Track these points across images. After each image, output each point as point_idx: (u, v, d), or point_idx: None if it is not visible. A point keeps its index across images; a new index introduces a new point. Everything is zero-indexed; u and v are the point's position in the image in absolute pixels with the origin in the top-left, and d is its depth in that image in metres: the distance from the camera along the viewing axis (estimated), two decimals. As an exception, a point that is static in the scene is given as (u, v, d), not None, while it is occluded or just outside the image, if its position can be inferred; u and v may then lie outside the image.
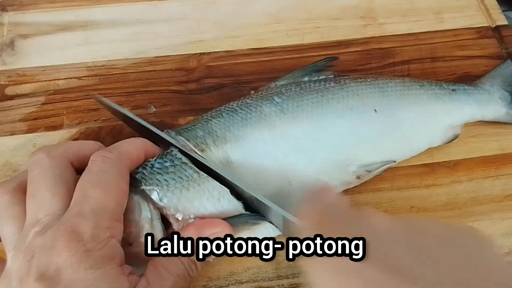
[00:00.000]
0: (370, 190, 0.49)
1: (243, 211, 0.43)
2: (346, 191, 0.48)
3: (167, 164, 0.41)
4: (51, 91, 0.56)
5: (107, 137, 0.52)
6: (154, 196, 0.40)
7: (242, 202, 0.42)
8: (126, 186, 0.38)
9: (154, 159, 0.42)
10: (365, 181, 0.48)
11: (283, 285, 0.44)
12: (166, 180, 0.41)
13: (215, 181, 0.41)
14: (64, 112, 0.54)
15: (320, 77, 0.51)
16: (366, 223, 0.29)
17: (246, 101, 0.48)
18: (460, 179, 0.51)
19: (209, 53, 0.60)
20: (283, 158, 0.44)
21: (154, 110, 0.55)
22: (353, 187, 0.48)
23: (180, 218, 0.40)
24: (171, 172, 0.41)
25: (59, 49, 0.59)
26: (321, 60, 0.52)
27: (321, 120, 0.46)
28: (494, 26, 0.63)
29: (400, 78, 0.52)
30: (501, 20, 0.63)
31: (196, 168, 0.42)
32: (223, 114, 0.46)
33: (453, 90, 0.52)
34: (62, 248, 0.32)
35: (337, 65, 0.59)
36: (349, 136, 0.47)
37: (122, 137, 0.44)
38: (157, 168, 0.41)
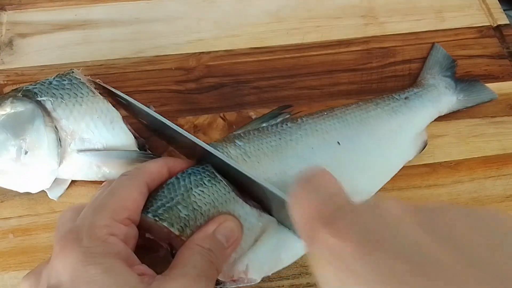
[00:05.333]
0: (370, 190, 0.49)
1: (136, 147, 0.46)
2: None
3: (65, 82, 0.45)
4: (50, 91, 0.55)
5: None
6: (48, 106, 0.45)
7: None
8: (139, 196, 0.37)
9: (52, 77, 0.47)
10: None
11: (283, 285, 0.44)
12: (61, 94, 0.45)
13: (109, 104, 0.46)
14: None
15: (278, 120, 0.49)
16: (377, 213, 0.25)
17: (211, 143, 0.45)
18: (462, 179, 0.50)
19: (209, 52, 0.60)
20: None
21: (154, 109, 0.54)
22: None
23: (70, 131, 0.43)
24: (67, 88, 0.45)
25: (58, 48, 0.59)
26: (276, 108, 0.52)
27: (282, 166, 0.44)
28: (495, 25, 0.63)
29: (354, 103, 0.51)
30: (503, 19, 0.63)
31: (92, 88, 0.46)
32: None
33: (406, 98, 0.52)
34: (59, 252, 0.32)
35: (338, 65, 0.59)
36: None
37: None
38: (55, 84, 0.45)
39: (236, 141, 0.45)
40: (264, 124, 0.49)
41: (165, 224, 0.36)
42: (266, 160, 0.44)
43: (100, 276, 0.30)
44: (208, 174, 0.40)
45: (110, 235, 0.33)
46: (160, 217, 0.36)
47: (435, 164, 0.51)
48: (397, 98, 0.52)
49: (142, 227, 0.37)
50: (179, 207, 0.37)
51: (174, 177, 0.40)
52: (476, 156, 0.52)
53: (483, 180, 0.50)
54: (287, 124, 0.47)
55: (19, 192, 0.47)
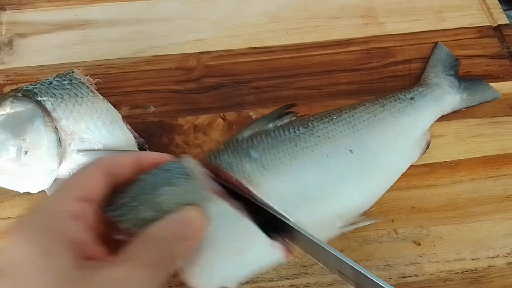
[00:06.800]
0: (370, 190, 0.49)
1: (136, 147, 0.45)
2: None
3: (65, 82, 0.45)
4: (49, 91, 0.55)
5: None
6: (48, 106, 0.44)
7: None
8: (98, 176, 0.34)
9: (52, 77, 0.47)
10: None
11: (283, 286, 0.44)
12: (61, 94, 0.44)
13: (109, 104, 0.46)
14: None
15: (284, 121, 0.49)
16: None
17: (223, 158, 0.44)
18: (461, 179, 0.50)
19: (209, 52, 0.60)
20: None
21: (153, 109, 0.55)
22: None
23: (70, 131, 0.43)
24: (67, 88, 0.45)
25: (58, 48, 0.59)
26: (279, 108, 0.51)
27: (300, 172, 0.44)
28: (495, 25, 0.63)
29: (361, 104, 0.51)
30: (503, 19, 0.63)
31: (92, 88, 0.45)
32: None
33: (411, 98, 0.52)
34: (12, 229, 0.30)
35: (337, 65, 0.59)
36: (330, 185, 0.44)
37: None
38: (55, 84, 0.45)
39: (251, 152, 0.44)
40: (270, 125, 0.48)
41: (127, 225, 0.34)
42: (283, 169, 0.43)
43: (36, 256, 0.29)
44: (183, 171, 0.36)
45: (63, 210, 0.31)
46: (122, 218, 0.34)
47: (435, 164, 0.51)
48: (403, 99, 0.51)
49: (107, 221, 0.35)
50: (144, 207, 0.34)
51: (147, 172, 0.36)
52: (476, 156, 0.52)
53: (483, 180, 0.50)
54: (299, 129, 0.47)
55: (19, 192, 0.47)
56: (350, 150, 0.46)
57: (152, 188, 0.35)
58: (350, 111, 0.50)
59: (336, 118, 0.48)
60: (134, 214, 0.34)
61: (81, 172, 0.35)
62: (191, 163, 0.37)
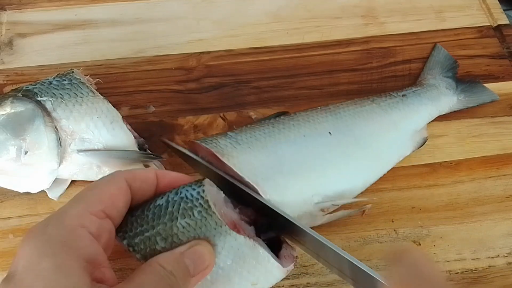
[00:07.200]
0: (371, 191, 0.49)
1: (136, 147, 0.46)
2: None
3: (65, 82, 0.45)
4: (50, 91, 0.55)
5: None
6: (48, 106, 0.45)
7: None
8: (116, 190, 0.34)
9: (52, 77, 0.47)
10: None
11: (283, 285, 0.44)
12: (61, 94, 0.45)
13: (109, 104, 0.47)
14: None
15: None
16: None
17: (203, 138, 0.46)
18: (462, 179, 0.50)
19: (209, 52, 0.60)
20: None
21: (154, 109, 0.55)
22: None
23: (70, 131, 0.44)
24: (67, 88, 0.45)
25: (58, 48, 0.59)
26: (273, 114, 0.52)
27: (275, 149, 0.45)
28: (495, 25, 0.63)
29: (351, 100, 0.51)
30: (503, 19, 0.63)
31: (92, 88, 0.46)
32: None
33: (403, 95, 0.52)
34: (24, 238, 0.30)
35: (338, 65, 0.59)
36: (307, 161, 0.45)
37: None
38: (55, 84, 0.45)
39: (228, 133, 0.46)
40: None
41: (137, 256, 0.34)
42: (257, 145, 0.44)
43: (49, 271, 0.28)
44: (200, 204, 0.35)
45: (79, 226, 0.31)
46: (135, 247, 0.34)
47: (435, 164, 0.51)
48: (394, 96, 0.52)
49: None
50: (158, 238, 0.34)
51: (164, 196, 0.36)
52: (476, 156, 0.52)
53: (483, 180, 0.50)
54: (280, 117, 0.49)
55: (19, 192, 0.47)
56: (330, 132, 0.47)
57: (169, 219, 0.34)
58: (336, 104, 0.51)
59: (320, 108, 0.50)
60: (148, 244, 0.34)
61: (101, 184, 0.34)
62: (210, 192, 0.36)
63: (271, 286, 0.38)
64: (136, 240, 0.34)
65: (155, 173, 0.37)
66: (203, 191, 0.36)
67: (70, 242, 0.30)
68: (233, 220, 0.38)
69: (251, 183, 0.41)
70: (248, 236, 0.36)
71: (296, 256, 0.40)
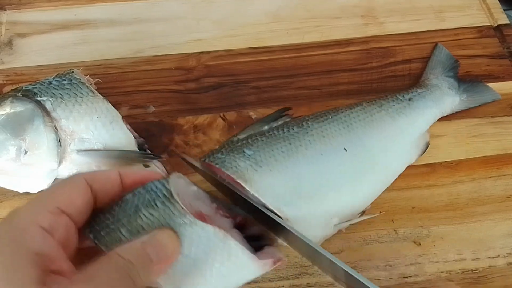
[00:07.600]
0: (371, 191, 0.49)
1: (135, 147, 0.45)
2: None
3: (65, 82, 0.45)
4: (49, 91, 0.55)
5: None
6: (48, 106, 0.45)
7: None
8: (74, 189, 0.34)
9: (52, 77, 0.47)
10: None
11: (283, 286, 0.44)
12: (61, 94, 0.45)
13: (109, 104, 0.47)
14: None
15: (279, 123, 0.49)
16: None
17: (217, 156, 0.45)
18: (462, 179, 0.50)
19: (208, 52, 0.60)
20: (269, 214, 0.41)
21: (153, 109, 0.55)
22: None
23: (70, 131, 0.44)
24: (67, 88, 0.45)
25: (57, 48, 0.59)
26: (275, 111, 0.51)
27: (294, 169, 0.44)
28: (495, 25, 0.63)
29: (358, 104, 0.51)
30: (503, 19, 0.63)
31: (91, 88, 0.46)
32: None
33: (410, 99, 0.52)
34: None
35: (337, 65, 0.59)
36: (324, 181, 0.45)
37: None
38: (54, 84, 0.45)
39: (245, 150, 0.44)
40: (266, 127, 0.49)
41: (104, 248, 0.33)
42: (278, 166, 0.44)
43: None
44: (164, 194, 0.35)
45: (30, 222, 0.31)
46: (101, 240, 0.34)
47: (435, 164, 0.51)
48: (401, 99, 0.51)
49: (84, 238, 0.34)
50: (123, 230, 0.33)
51: (132, 192, 0.35)
52: (476, 156, 0.52)
53: (483, 180, 0.50)
54: (293, 129, 0.47)
55: (18, 192, 0.47)
56: (345, 149, 0.46)
57: (134, 211, 0.34)
58: (346, 110, 0.50)
59: (331, 117, 0.49)
60: (114, 236, 0.33)
61: (60, 185, 0.34)
62: (178, 183, 0.36)
63: (248, 281, 0.38)
64: (102, 233, 0.34)
65: (118, 173, 0.36)
66: (167, 182, 0.35)
67: (19, 238, 0.30)
68: (201, 212, 0.37)
69: (274, 210, 0.41)
70: (219, 227, 0.35)
71: (280, 258, 0.38)
